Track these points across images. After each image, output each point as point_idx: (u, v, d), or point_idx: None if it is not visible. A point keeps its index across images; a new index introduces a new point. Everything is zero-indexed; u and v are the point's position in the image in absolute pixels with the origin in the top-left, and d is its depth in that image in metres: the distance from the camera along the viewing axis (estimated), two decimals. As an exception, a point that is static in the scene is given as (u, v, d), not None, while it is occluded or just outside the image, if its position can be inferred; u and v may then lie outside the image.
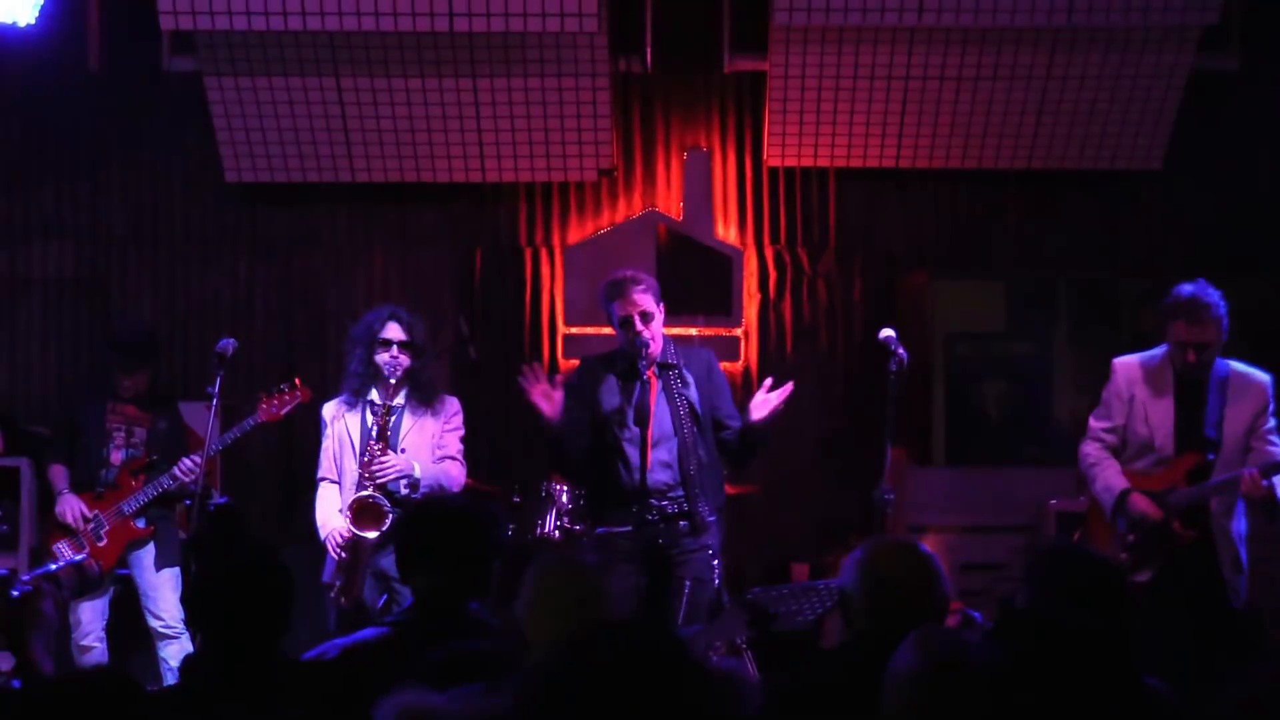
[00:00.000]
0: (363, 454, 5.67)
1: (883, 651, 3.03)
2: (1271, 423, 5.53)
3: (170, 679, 6.06)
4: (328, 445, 5.83)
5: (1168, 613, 5.40)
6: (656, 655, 2.02)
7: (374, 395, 5.77)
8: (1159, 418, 5.53)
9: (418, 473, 5.68)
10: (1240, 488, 5.39)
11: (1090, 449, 5.68)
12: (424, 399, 5.80)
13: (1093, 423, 5.72)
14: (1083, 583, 3.29)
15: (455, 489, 5.80)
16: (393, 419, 5.73)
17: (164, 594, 6.23)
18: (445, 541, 3.72)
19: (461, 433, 5.91)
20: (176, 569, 6.24)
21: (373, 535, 5.58)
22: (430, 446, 5.79)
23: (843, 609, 3.20)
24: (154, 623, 6.26)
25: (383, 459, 5.63)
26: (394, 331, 5.76)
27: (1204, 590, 5.46)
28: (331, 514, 5.72)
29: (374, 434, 5.66)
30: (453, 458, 5.83)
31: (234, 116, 7.40)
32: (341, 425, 5.79)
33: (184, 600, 5.99)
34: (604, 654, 2.03)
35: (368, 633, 3.71)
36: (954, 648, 2.64)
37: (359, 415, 5.76)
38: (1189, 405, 5.51)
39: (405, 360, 5.75)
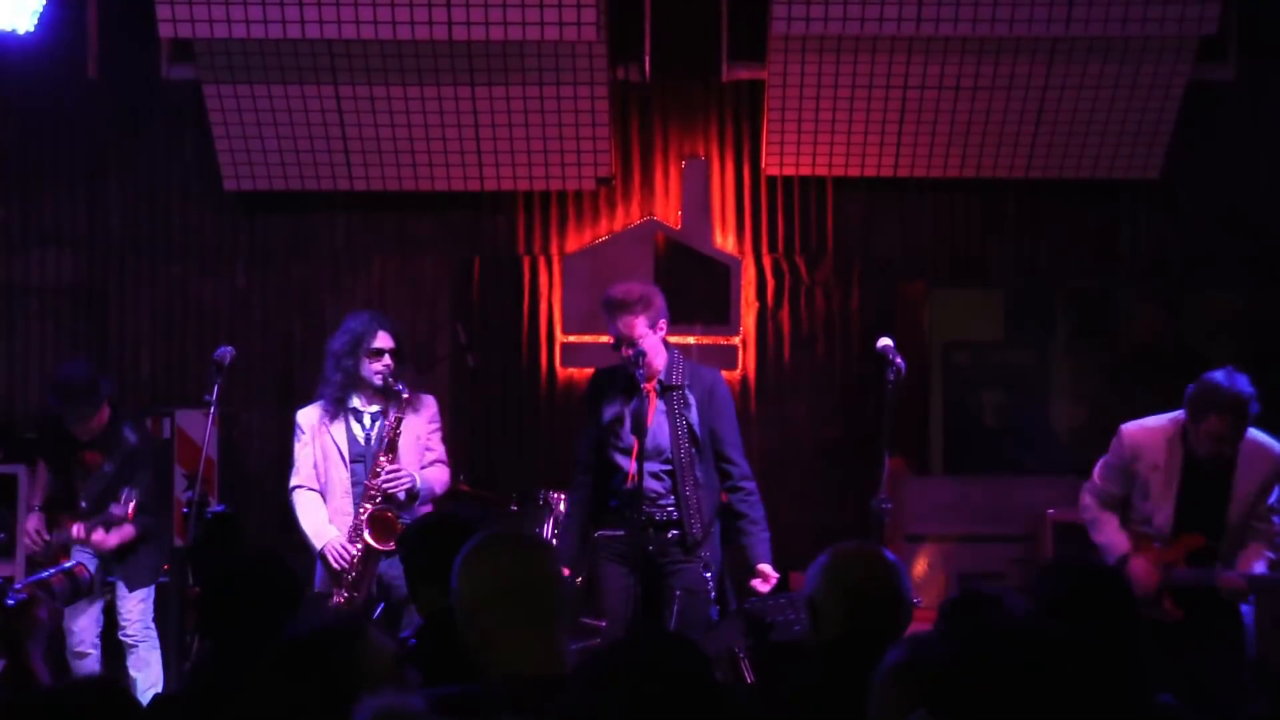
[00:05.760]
0: (353, 462, 5.67)
1: (853, 657, 3.03)
2: (1277, 494, 5.31)
3: (135, 689, 6.05)
4: (306, 452, 5.77)
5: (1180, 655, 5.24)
6: (680, 672, 2.01)
7: (356, 403, 5.76)
8: (1161, 498, 5.30)
9: (418, 483, 5.70)
10: (1220, 584, 5.23)
11: (1089, 501, 5.51)
12: (405, 401, 5.79)
13: (1096, 477, 5.51)
14: (1083, 594, 3.28)
15: (442, 492, 5.87)
16: (400, 431, 5.66)
17: (130, 604, 6.20)
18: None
19: (442, 431, 5.93)
20: (151, 588, 6.24)
21: (390, 546, 5.48)
22: (419, 447, 5.79)
23: (811, 616, 3.19)
24: (119, 631, 6.24)
25: (394, 470, 5.62)
26: (385, 340, 5.73)
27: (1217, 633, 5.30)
28: (323, 524, 5.70)
29: (384, 446, 5.63)
30: (441, 461, 5.87)
31: (233, 125, 7.40)
32: (326, 436, 5.74)
33: (196, 606, 5.99)
34: (628, 671, 2.01)
35: None
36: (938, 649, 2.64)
37: (344, 425, 5.73)
38: (1196, 487, 5.26)
39: (394, 367, 5.75)
